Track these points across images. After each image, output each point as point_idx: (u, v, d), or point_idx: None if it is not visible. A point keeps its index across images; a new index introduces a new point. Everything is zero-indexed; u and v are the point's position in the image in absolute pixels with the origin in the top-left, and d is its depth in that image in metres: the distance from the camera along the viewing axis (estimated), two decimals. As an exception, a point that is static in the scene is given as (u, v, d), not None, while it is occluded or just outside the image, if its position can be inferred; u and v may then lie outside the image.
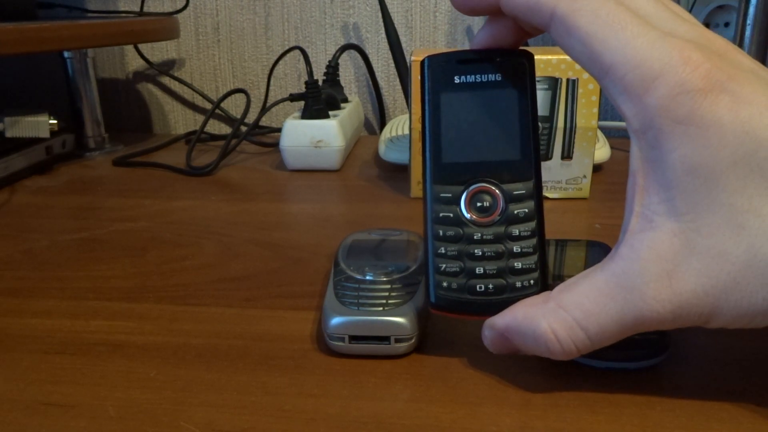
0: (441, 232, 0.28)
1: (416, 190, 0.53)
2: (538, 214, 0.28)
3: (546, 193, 0.52)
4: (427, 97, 0.29)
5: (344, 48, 0.73)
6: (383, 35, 0.79)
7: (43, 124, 0.61)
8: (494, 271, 0.28)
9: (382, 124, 0.82)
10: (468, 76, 0.28)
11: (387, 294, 0.31)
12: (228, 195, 0.56)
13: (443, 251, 0.28)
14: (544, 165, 0.51)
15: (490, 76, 0.28)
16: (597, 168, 0.60)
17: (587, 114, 0.50)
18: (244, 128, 0.71)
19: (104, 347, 0.32)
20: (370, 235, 0.39)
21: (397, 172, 0.61)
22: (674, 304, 0.23)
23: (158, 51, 0.85)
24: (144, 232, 0.47)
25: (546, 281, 0.28)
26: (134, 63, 0.86)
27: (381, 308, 0.30)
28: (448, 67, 0.28)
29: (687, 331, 0.32)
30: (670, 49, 0.22)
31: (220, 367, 0.30)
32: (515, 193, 0.28)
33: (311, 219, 0.49)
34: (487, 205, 0.28)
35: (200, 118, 0.87)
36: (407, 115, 0.71)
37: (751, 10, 0.58)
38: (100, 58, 0.86)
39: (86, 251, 0.44)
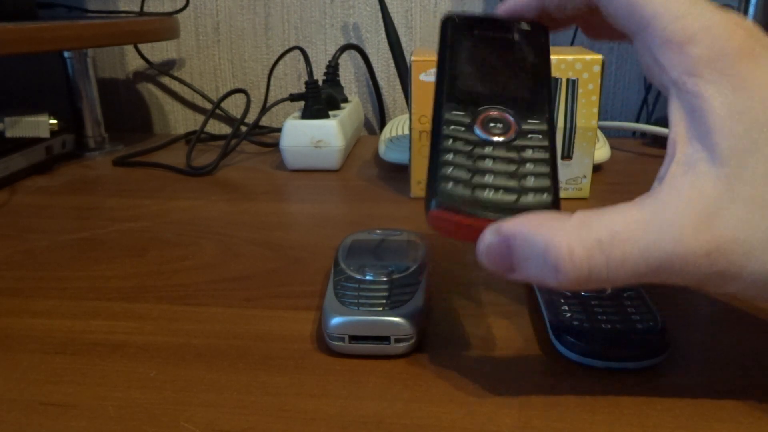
0: (450, 142, 0.26)
1: (416, 190, 0.53)
2: (551, 146, 0.27)
3: (546, 193, 0.52)
4: (445, 45, 0.29)
5: (344, 48, 0.73)
6: (383, 35, 0.79)
7: (43, 124, 0.61)
8: (505, 182, 0.25)
9: (382, 124, 0.82)
10: (488, 32, 0.29)
11: (387, 294, 0.31)
12: (228, 195, 0.56)
13: (450, 158, 0.26)
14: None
15: (509, 35, 0.29)
16: (597, 168, 0.60)
17: (587, 114, 0.50)
18: (244, 128, 0.71)
19: (104, 347, 0.32)
20: (369, 235, 0.39)
21: (397, 172, 0.61)
22: (711, 245, 0.22)
23: (158, 51, 0.85)
24: (144, 232, 0.47)
25: (559, 206, 0.26)
26: (134, 63, 0.86)
27: (381, 308, 0.30)
28: (469, 23, 0.30)
29: (687, 331, 0.32)
30: (712, 9, 0.23)
31: (220, 367, 0.30)
32: (529, 122, 0.27)
33: (311, 219, 0.49)
34: (501, 126, 0.27)
35: (200, 118, 0.87)
36: (407, 115, 0.71)
37: (751, 10, 0.58)
38: (100, 58, 0.86)
39: (86, 251, 0.44)
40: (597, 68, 0.49)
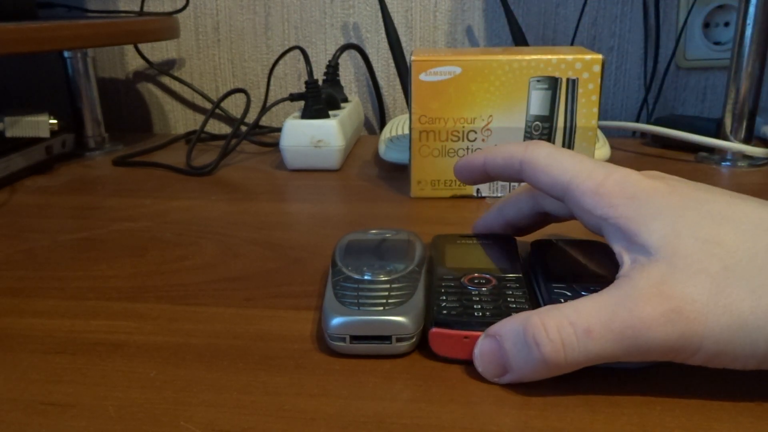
0: (443, 289, 0.32)
1: (416, 189, 0.53)
2: (526, 288, 0.33)
3: (546, 193, 0.53)
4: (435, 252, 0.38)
5: (344, 48, 0.73)
6: (383, 35, 0.79)
7: (43, 124, 0.61)
8: (492, 310, 0.30)
9: (382, 123, 0.82)
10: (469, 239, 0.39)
11: (387, 293, 0.31)
12: (228, 195, 0.56)
13: (444, 298, 0.31)
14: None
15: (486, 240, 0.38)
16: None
17: (587, 114, 0.50)
18: (244, 128, 0.71)
19: (104, 347, 0.32)
20: (365, 235, 0.39)
21: (397, 172, 0.61)
22: (665, 306, 0.25)
23: (158, 51, 0.85)
24: (144, 232, 0.47)
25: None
26: (134, 63, 0.86)
27: (381, 308, 0.30)
28: (456, 238, 0.39)
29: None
30: (605, 164, 0.30)
31: (220, 367, 0.30)
32: (506, 276, 0.33)
33: (311, 219, 0.49)
34: (483, 281, 0.33)
35: (200, 118, 0.87)
36: (407, 115, 0.71)
37: (751, 10, 0.58)
38: (100, 58, 0.86)
39: (86, 251, 0.44)
40: (597, 68, 0.49)
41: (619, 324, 0.25)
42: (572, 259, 0.36)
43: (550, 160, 0.32)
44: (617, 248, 0.28)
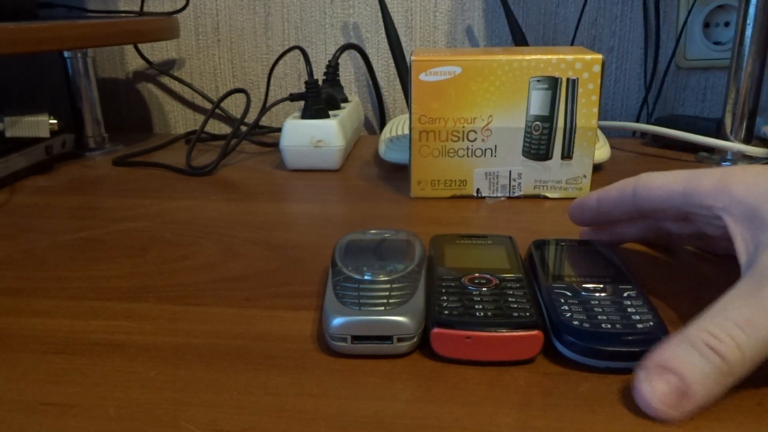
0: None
1: (416, 189, 0.53)
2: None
3: (546, 193, 0.53)
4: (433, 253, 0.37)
5: (344, 48, 0.73)
6: (383, 35, 0.79)
7: (43, 124, 0.61)
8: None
9: (382, 124, 0.82)
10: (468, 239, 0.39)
11: (387, 293, 0.31)
12: (228, 195, 0.56)
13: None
14: (545, 165, 0.51)
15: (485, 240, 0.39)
16: (597, 168, 0.60)
17: (587, 114, 0.50)
18: (244, 128, 0.71)
19: (104, 347, 0.32)
20: (364, 235, 0.39)
21: (397, 172, 0.61)
22: None
23: (158, 51, 0.85)
24: (144, 232, 0.47)
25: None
26: (134, 63, 0.86)
27: (383, 308, 0.30)
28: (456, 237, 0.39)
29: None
30: (716, 171, 0.32)
31: (220, 367, 0.30)
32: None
33: (311, 219, 0.49)
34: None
35: (200, 118, 0.87)
36: (407, 115, 0.71)
37: (751, 10, 0.58)
38: (100, 58, 0.86)
39: (86, 251, 0.44)
40: (597, 68, 0.49)
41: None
42: (572, 259, 0.36)
43: (663, 177, 0.33)
44: (741, 238, 0.29)
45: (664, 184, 0.33)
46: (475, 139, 0.51)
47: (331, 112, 0.64)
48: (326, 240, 0.45)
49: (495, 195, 0.53)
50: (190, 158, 0.64)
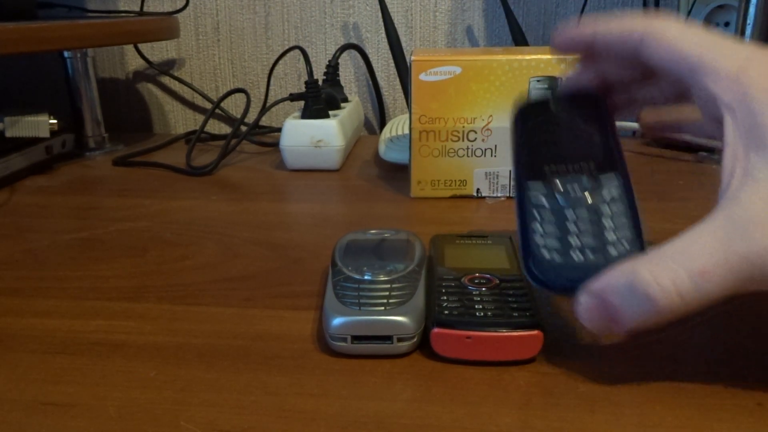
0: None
1: (416, 189, 0.53)
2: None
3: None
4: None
5: (344, 48, 0.73)
6: (383, 35, 0.79)
7: (43, 124, 0.61)
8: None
9: (382, 123, 0.82)
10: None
11: (387, 293, 0.31)
12: (228, 195, 0.56)
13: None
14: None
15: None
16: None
17: (587, 114, 0.50)
18: (244, 128, 0.71)
19: (104, 347, 0.32)
20: (364, 235, 0.39)
21: (397, 172, 0.61)
22: None
23: (158, 51, 0.85)
24: (144, 232, 0.47)
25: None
26: (134, 63, 0.86)
27: (383, 308, 0.30)
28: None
29: (686, 331, 0.32)
30: (746, 46, 0.26)
31: (220, 367, 0.30)
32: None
33: (311, 219, 0.49)
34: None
35: (200, 117, 0.87)
36: (407, 115, 0.71)
37: (751, 10, 0.58)
38: (100, 58, 0.86)
39: (86, 251, 0.44)
40: (597, 68, 0.49)
41: (737, 259, 0.23)
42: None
43: (681, 33, 0.27)
44: (733, 148, 0.25)
45: (678, 42, 0.27)
46: (475, 139, 0.51)
47: (331, 112, 0.64)
48: (326, 240, 0.45)
49: (495, 195, 0.53)
50: (190, 158, 0.64)
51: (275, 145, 0.72)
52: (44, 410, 0.27)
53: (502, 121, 0.51)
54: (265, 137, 0.77)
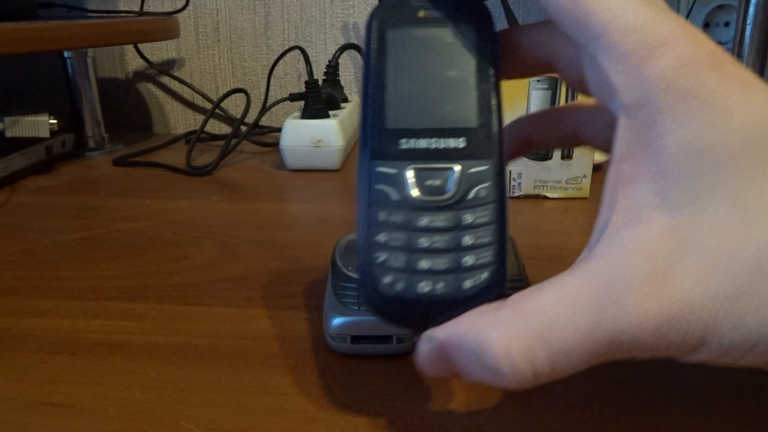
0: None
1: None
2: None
3: (546, 193, 0.53)
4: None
5: (344, 48, 0.73)
6: (383, 35, 0.79)
7: (43, 124, 0.61)
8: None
9: (382, 124, 0.82)
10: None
11: (387, 294, 0.31)
12: (228, 195, 0.56)
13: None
14: (545, 165, 0.51)
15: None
16: (597, 168, 0.60)
17: (587, 114, 0.50)
18: (244, 128, 0.71)
19: (104, 347, 0.32)
20: None
21: (397, 172, 0.61)
22: (660, 317, 0.18)
23: (158, 51, 0.85)
24: (144, 232, 0.47)
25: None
26: (134, 63, 0.86)
27: (381, 308, 0.30)
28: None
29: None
30: (674, 20, 0.19)
31: (220, 367, 0.30)
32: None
33: (311, 219, 0.49)
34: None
35: (200, 118, 0.87)
36: (407, 115, 0.71)
37: (751, 10, 0.58)
38: (100, 58, 0.86)
39: (86, 251, 0.44)
40: (597, 68, 0.49)
41: (602, 339, 0.19)
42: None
43: None
44: (620, 167, 0.20)
45: None
46: (475, 139, 0.51)
47: (331, 112, 0.64)
48: (326, 240, 0.45)
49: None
50: (190, 158, 0.64)
51: (275, 145, 0.72)
52: (44, 410, 0.27)
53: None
54: (265, 137, 0.77)
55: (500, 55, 0.24)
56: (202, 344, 0.32)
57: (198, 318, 0.34)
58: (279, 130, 0.70)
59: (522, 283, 0.33)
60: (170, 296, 0.37)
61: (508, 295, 0.21)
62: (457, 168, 0.22)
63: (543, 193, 0.53)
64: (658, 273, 0.18)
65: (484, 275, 0.22)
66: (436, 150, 0.23)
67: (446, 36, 0.24)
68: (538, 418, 0.26)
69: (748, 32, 0.59)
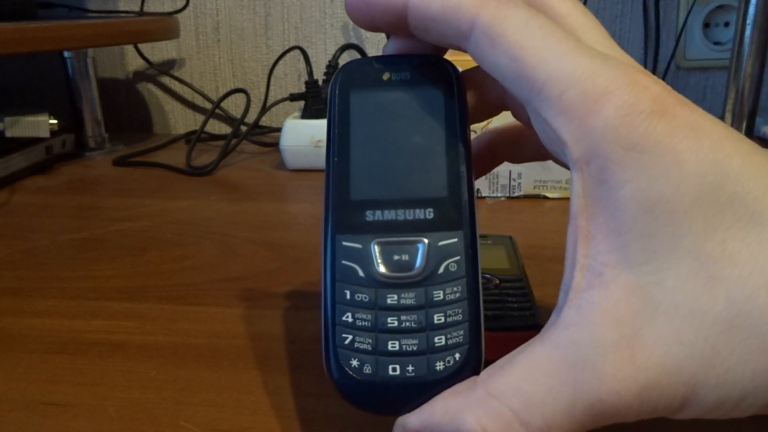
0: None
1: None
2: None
3: (546, 193, 0.53)
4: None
5: (344, 48, 0.73)
6: (383, 35, 0.79)
7: (43, 124, 0.61)
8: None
9: (382, 124, 0.82)
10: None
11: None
12: (228, 195, 0.56)
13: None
14: (544, 165, 0.51)
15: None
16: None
17: (587, 114, 0.50)
18: (244, 128, 0.71)
19: (104, 347, 0.32)
20: None
21: (397, 172, 0.61)
22: (640, 384, 0.18)
23: (158, 51, 0.85)
24: (144, 232, 0.47)
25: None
26: (134, 63, 0.86)
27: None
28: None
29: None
30: (615, 68, 0.18)
31: (220, 367, 0.30)
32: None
33: (311, 219, 0.49)
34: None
35: (200, 118, 0.87)
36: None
37: (751, 10, 0.58)
38: (100, 58, 0.86)
39: (86, 251, 0.44)
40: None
41: (583, 409, 0.18)
42: None
43: (526, 35, 0.19)
44: (578, 223, 0.19)
45: (522, 50, 0.19)
46: (475, 139, 0.51)
47: (331, 112, 0.64)
48: (326, 240, 0.45)
49: (495, 195, 0.53)
50: (190, 158, 0.64)
51: (275, 145, 0.72)
52: (44, 410, 0.27)
53: (501, 122, 0.50)
54: (265, 137, 0.77)
55: (467, 116, 0.23)
56: (202, 344, 0.32)
57: (198, 318, 0.34)
58: (279, 130, 0.70)
59: (522, 282, 0.33)
60: (170, 296, 0.37)
61: (488, 363, 0.20)
62: (426, 241, 0.21)
63: (543, 193, 0.53)
64: (628, 337, 0.18)
65: (457, 356, 0.21)
66: (404, 222, 0.22)
67: (412, 99, 0.23)
68: None
69: (747, 32, 0.59)
